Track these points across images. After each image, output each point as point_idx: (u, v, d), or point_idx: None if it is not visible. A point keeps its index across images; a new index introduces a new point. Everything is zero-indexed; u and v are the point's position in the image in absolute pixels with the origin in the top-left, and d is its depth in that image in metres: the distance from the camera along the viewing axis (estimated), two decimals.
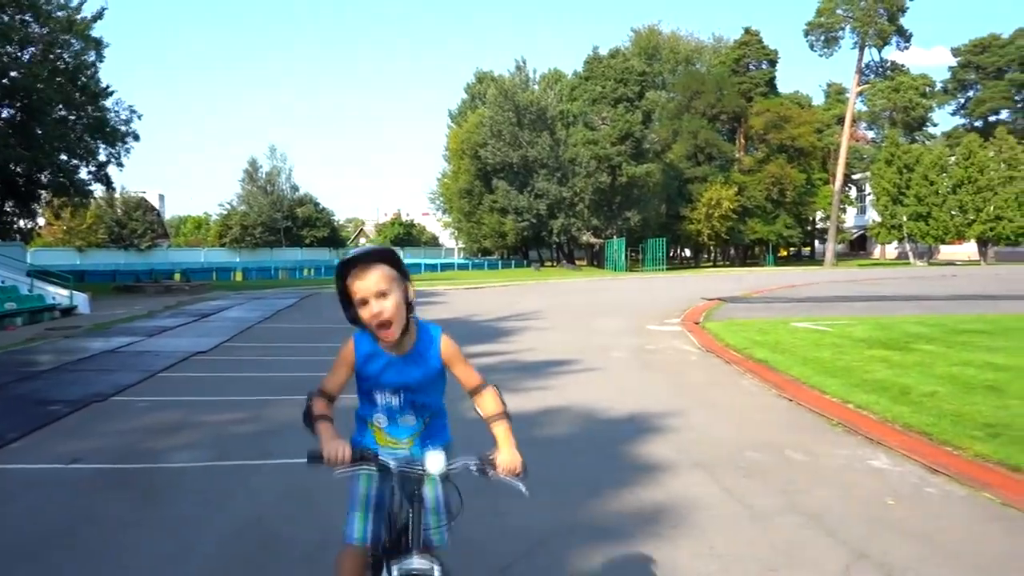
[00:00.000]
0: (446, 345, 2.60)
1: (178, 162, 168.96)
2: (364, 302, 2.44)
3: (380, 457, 2.46)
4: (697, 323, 15.13)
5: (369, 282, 2.43)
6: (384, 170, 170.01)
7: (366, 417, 2.64)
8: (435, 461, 2.43)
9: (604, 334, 13.88)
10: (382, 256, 2.48)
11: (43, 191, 30.69)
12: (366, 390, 2.60)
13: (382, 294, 2.43)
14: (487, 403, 2.61)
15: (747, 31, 67.44)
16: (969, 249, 61.68)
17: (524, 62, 55.04)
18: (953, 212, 57.81)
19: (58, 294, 20.33)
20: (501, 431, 2.54)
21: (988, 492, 4.69)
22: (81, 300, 20.64)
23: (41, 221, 42.54)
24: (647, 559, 3.86)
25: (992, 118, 69.81)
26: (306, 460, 2.42)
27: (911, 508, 4.52)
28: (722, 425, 6.73)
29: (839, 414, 6.84)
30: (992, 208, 56.01)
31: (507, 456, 2.47)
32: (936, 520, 4.34)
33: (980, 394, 7.26)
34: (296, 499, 4.79)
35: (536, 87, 54.72)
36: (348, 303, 2.50)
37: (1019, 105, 68.99)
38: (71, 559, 4.00)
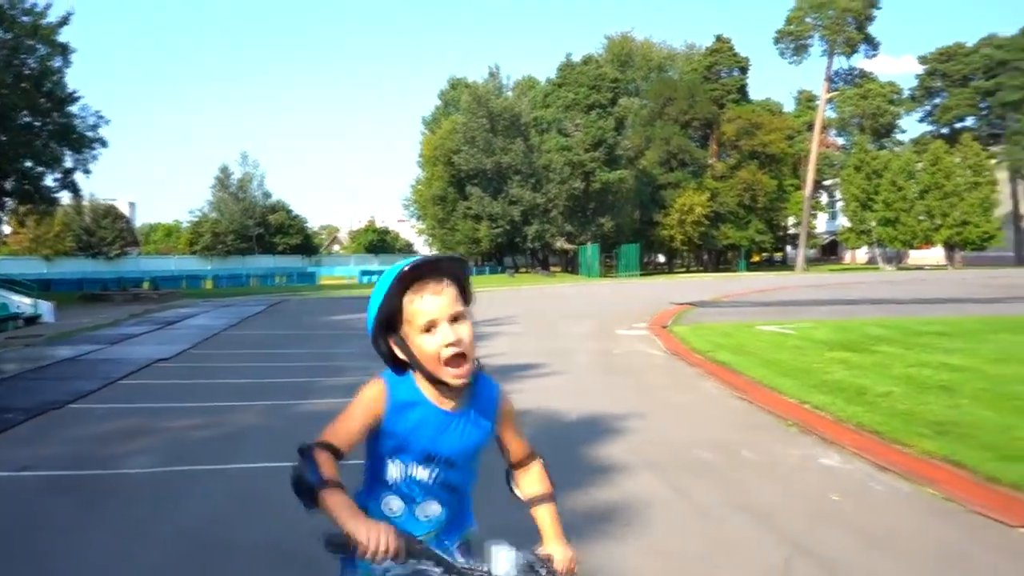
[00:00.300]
0: (505, 403, 1.98)
1: (149, 169, 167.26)
2: (432, 326, 1.79)
3: (438, 551, 1.75)
4: (664, 327, 15.24)
5: (444, 301, 1.80)
6: (358, 177, 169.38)
7: (366, 505, 1.89)
8: (504, 560, 1.77)
9: (573, 338, 13.96)
10: (454, 270, 1.86)
11: (8, 199, 30.25)
12: (384, 456, 1.89)
13: (457, 318, 1.81)
14: (532, 480, 2.01)
15: (718, 39, 68.10)
16: (937, 254, 62.72)
17: (498, 69, 55.17)
18: (920, 217, 58.74)
19: (22, 303, 20.01)
20: (549, 518, 1.97)
21: (932, 488, 4.78)
22: (46, 309, 20.33)
23: (7, 229, 41.90)
24: (597, 557, 3.89)
25: (958, 125, 70.93)
26: (324, 545, 1.66)
27: (856, 504, 4.60)
28: (679, 427, 6.80)
29: (795, 414, 6.93)
30: (958, 213, 56.99)
31: (562, 553, 1.91)
32: (879, 515, 4.42)
33: (933, 394, 7.39)
34: (256, 502, 4.78)
35: (510, 94, 54.88)
36: (386, 327, 1.84)
37: (984, 113, 70.23)
38: (11, 565, 3.96)
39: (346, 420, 1.84)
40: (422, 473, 1.88)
